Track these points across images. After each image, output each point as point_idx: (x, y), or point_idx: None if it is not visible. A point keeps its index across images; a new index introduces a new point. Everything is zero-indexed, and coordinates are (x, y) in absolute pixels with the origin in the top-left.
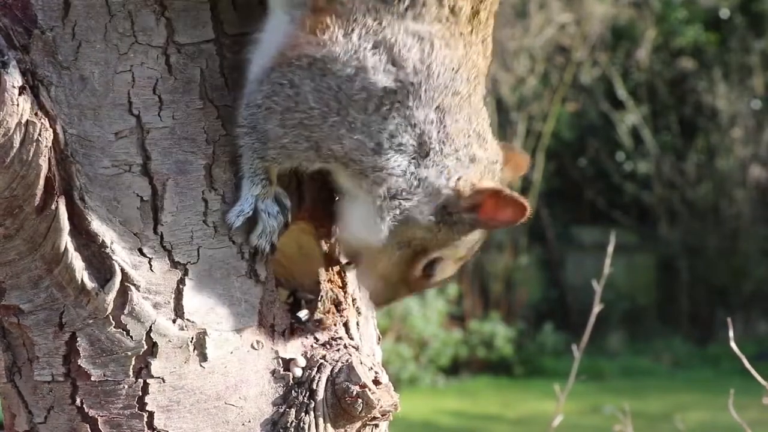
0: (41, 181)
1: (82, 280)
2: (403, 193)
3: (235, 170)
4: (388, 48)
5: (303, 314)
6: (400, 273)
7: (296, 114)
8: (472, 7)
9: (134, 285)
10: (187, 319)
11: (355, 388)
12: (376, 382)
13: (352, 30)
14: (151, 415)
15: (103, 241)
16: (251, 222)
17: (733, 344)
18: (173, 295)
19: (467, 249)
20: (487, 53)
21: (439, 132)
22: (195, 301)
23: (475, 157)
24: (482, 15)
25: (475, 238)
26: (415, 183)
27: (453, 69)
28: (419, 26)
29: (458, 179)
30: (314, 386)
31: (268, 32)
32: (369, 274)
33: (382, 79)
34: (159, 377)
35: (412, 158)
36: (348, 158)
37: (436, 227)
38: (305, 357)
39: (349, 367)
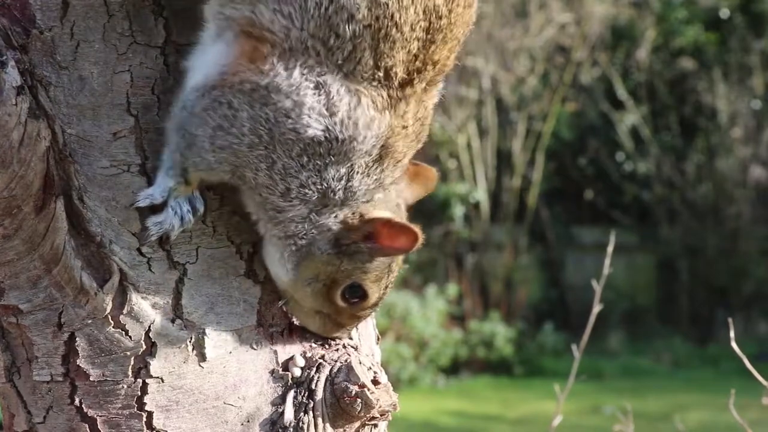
0: (40, 181)
1: (80, 280)
2: (299, 234)
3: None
4: (326, 92)
5: None
6: (326, 306)
7: (227, 136)
8: (408, 75)
9: (133, 285)
10: (186, 319)
11: (354, 388)
12: (375, 382)
13: (294, 66)
14: (150, 414)
15: (101, 240)
16: (156, 209)
17: (734, 344)
18: (172, 295)
19: (380, 270)
20: (419, 118)
21: (344, 189)
22: (194, 301)
23: (373, 198)
24: (416, 85)
25: (384, 259)
26: (309, 226)
27: (375, 132)
28: (351, 82)
29: (346, 214)
30: (313, 386)
31: (209, 45)
32: (298, 310)
33: (314, 124)
34: (158, 377)
35: (312, 208)
36: (256, 190)
37: (337, 259)
38: (304, 357)
39: (348, 367)
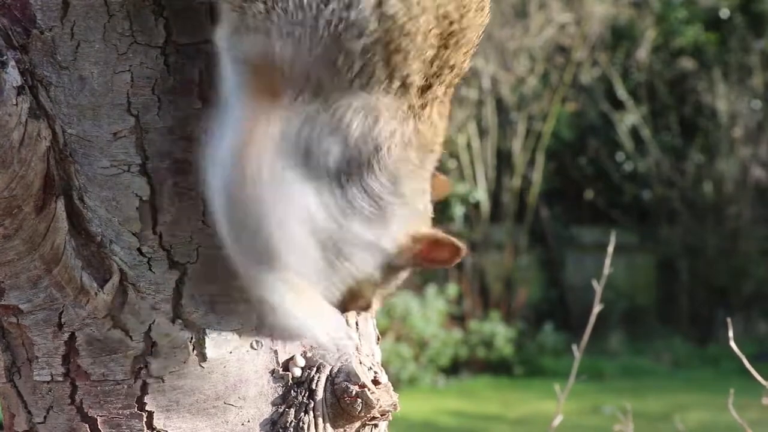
0: (40, 181)
1: (81, 280)
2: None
3: None
4: (333, 128)
5: None
6: None
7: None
8: (426, 81)
9: (133, 285)
10: (186, 319)
11: (355, 388)
12: (376, 381)
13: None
14: (150, 414)
15: (102, 241)
16: None
17: (732, 344)
18: (172, 295)
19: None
20: (440, 127)
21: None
22: (194, 300)
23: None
24: (436, 89)
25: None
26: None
27: (403, 142)
28: (365, 98)
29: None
30: (314, 386)
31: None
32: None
33: (329, 157)
34: (158, 377)
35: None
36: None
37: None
38: (304, 357)
39: (349, 367)
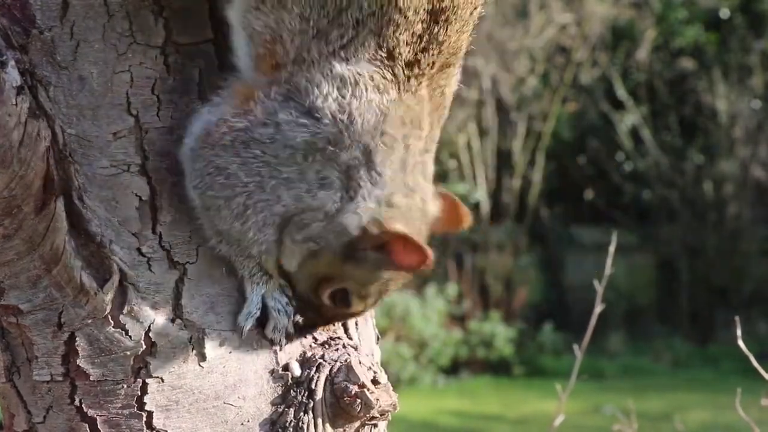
0: (40, 181)
1: (80, 280)
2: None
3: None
4: (302, 99)
5: None
6: (311, 296)
7: (237, 199)
8: (414, 56)
9: (133, 285)
10: (186, 319)
11: (354, 388)
12: (375, 381)
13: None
14: (150, 414)
15: (101, 240)
16: (262, 318)
17: (740, 342)
18: (172, 295)
19: (374, 285)
20: (435, 102)
21: (369, 176)
22: (194, 300)
23: (394, 203)
24: (424, 66)
25: (385, 276)
26: (328, 227)
27: (382, 111)
28: (346, 67)
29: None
30: (313, 386)
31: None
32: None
33: (299, 133)
34: (158, 377)
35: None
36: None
37: (342, 263)
38: (304, 356)
39: (348, 367)
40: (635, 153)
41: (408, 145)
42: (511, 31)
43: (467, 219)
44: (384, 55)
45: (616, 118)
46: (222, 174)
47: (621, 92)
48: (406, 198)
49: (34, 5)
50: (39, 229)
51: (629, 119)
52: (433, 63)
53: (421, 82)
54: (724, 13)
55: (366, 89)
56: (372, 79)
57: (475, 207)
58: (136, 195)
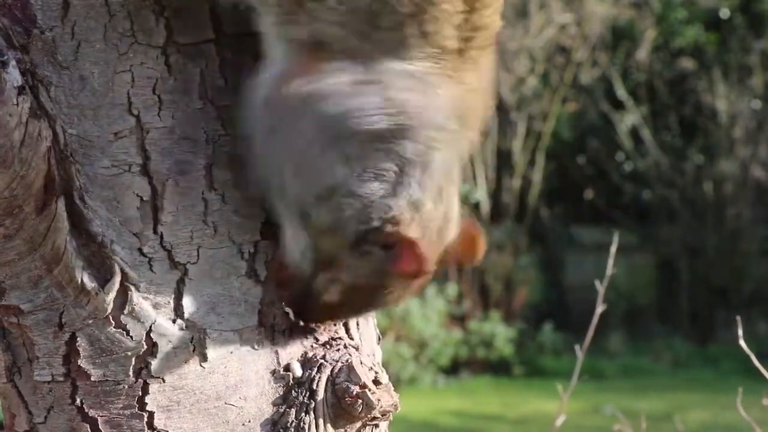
0: (41, 181)
1: (81, 280)
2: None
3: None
4: (382, 87)
5: None
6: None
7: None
8: (459, 43)
9: (134, 285)
10: (187, 319)
11: (355, 389)
12: (376, 382)
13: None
14: (151, 415)
15: (102, 241)
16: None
17: (742, 342)
18: (173, 295)
19: (366, 289)
20: (481, 92)
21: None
22: (195, 301)
23: (420, 208)
24: (469, 52)
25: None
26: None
27: (444, 106)
28: (408, 64)
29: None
30: (314, 386)
31: None
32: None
33: (375, 120)
34: (159, 377)
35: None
36: None
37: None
38: (305, 357)
39: (349, 367)
40: (635, 153)
41: (455, 146)
42: (510, 31)
43: (481, 253)
44: (432, 51)
45: (616, 118)
46: (294, 130)
47: (621, 92)
48: (434, 205)
49: (35, 5)
50: (40, 230)
51: (629, 119)
52: (478, 48)
53: (467, 70)
54: (724, 13)
55: (425, 84)
56: (431, 73)
57: (475, 207)
58: (138, 195)
